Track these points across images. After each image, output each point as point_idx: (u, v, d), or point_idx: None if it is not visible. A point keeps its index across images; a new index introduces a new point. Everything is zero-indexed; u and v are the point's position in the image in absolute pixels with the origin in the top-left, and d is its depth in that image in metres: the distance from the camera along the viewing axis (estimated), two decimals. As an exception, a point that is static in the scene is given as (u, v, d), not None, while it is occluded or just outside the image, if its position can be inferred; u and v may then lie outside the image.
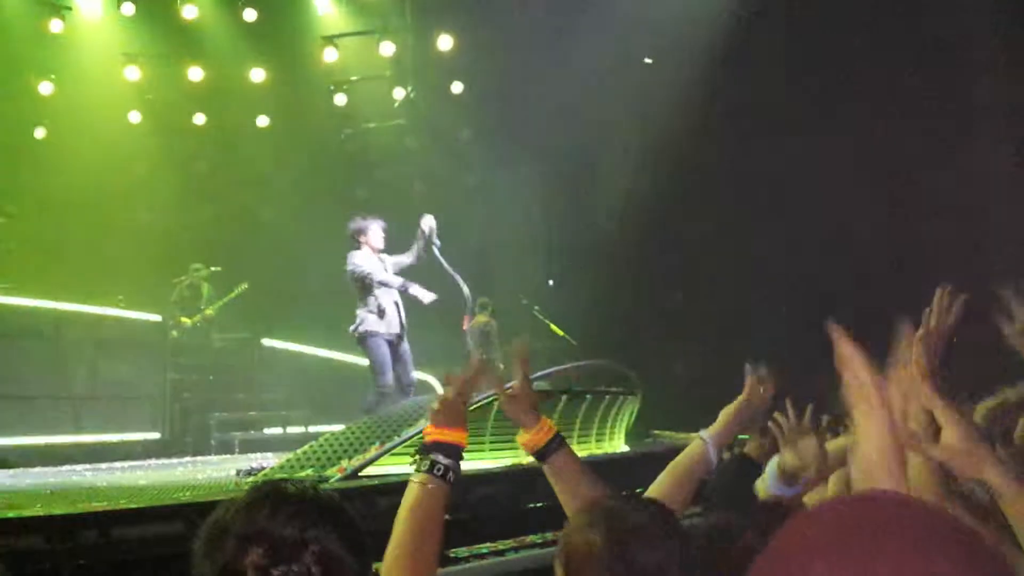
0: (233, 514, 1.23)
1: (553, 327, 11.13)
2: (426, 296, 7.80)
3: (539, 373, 8.04)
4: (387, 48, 12.06)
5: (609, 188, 12.05)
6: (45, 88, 11.44)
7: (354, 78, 12.65)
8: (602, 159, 12.03)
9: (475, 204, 12.47)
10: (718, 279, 11.24)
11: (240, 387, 9.91)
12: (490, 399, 6.93)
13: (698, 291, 11.52)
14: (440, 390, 8.34)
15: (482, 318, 11.03)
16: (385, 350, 7.75)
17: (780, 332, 10.32)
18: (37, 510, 4.69)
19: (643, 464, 7.60)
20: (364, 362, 10.96)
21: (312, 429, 9.07)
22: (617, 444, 8.67)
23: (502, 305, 11.40)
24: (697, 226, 11.39)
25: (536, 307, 11.34)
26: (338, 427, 7.11)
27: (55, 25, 11.07)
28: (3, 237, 9.30)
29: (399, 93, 12.64)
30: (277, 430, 9.60)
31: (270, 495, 1.26)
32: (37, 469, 7.20)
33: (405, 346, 7.95)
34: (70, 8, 11.26)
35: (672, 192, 11.32)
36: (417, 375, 11.39)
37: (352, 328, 7.79)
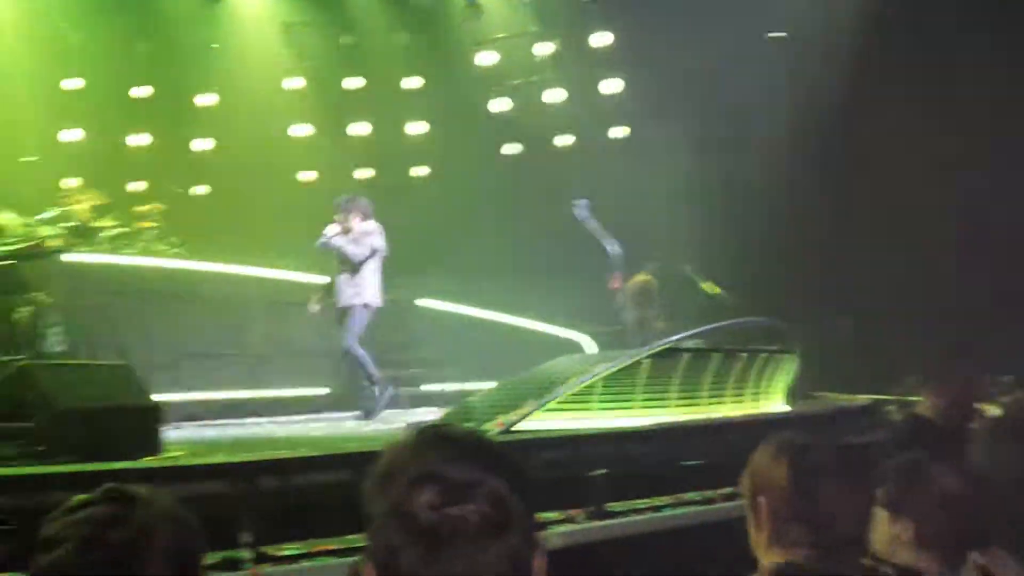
0: (403, 456, 1.23)
1: (706, 285, 10.93)
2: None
3: (692, 331, 7.97)
4: (530, 4, 12.16)
5: (766, 144, 11.70)
6: (210, 55, 12.27)
7: (499, 36, 12.82)
8: (759, 116, 11.67)
9: (623, 160, 12.40)
10: (881, 242, 10.82)
11: (401, 346, 10.29)
12: (640, 356, 6.96)
13: (859, 254, 11.13)
14: (593, 349, 8.40)
15: (642, 276, 11.01)
16: None
17: (946, 296, 9.84)
18: (220, 458, 5.08)
19: (804, 424, 7.42)
20: (514, 321, 11.21)
21: (468, 386, 9.32)
22: (776, 403, 8.48)
23: (655, 263, 11.34)
24: (861, 187, 10.99)
25: (689, 266, 11.16)
26: (491, 384, 7.29)
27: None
28: (186, 213, 10.02)
29: (545, 48, 12.68)
30: (437, 387, 9.93)
31: (438, 438, 1.26)
32: (220, 421, 7.81)
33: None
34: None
35: (835, 150, 10.94)
36: (568, 334, 11.54)
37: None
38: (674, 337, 7.59)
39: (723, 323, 8.47)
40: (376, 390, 7.96)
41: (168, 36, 11.99)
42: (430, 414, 7.65)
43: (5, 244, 6.31)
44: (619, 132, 13.06)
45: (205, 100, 12.43)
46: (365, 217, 8.05)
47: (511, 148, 13.34)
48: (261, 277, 9.30)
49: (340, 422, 7.94)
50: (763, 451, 1.98)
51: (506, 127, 13.24)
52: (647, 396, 7.00)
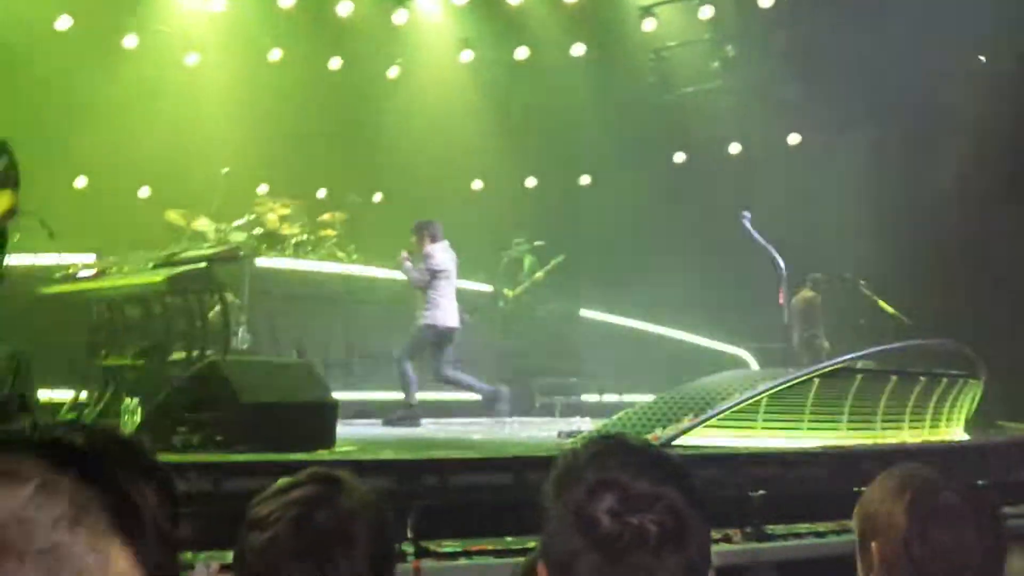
0: (581, 462, 1.25)
1: (882, 304, 10.41)
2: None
3: (866, 351, 7.61)
4: (706, 11, 12.00)
5: (950, 155, 11.03)
6: (392, 72, 12.81)
7: (672, 44, 12.74)
8: (943, 123, 11.01)
9: (797, 168, 12.03)
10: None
11: (561, 355, 10.39)
12: (810, 375, 6.72)
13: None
14: (755, 366, 8.17)
15: (807, 293, 10.62)
16: None
17: None
18: (388, 454, 5.32)
19: (984, 455, 6.94)
20: (673, 334, 11.07)
21: (627, 398, 9.29)
22: (954, 431, 7.97)
23: (825, 278, 10.90)
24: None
25: (863, 281, 10.67)
26: (650, 397, 7.24)
27: (399, 16, 12.30)
28: (357, 219, 10.54)
29: (718, 56, 12.51)
30: (594, 397, 9.95)
31: (617, 447, 1.27)
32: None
33: None
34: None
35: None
36: (733, 350, 11.29)
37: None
38: (847, 356, 7.28)
39: (900, 344, 8.05)
40: (405, 412, 7.91)
41: (356, 51, 12.68)
42: (584, 424, 7.68)
43: (201, 248, 6.84)
44: (793, 139, 12.68)
45: (387, 112, 13.10)
46: (433, 239, 8.14)
47: (680, 156, 13.21)
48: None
49: (499, 427, 8.10)
50: (880, 485, 1.68)
51: (677, 135, 13.14)
52: (816, 417, 6.74)
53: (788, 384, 6.62)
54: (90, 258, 6.94)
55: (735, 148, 12.93)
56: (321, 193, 12.42)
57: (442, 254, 8.11)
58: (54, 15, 10.87)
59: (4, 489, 0.50)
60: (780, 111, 12.45)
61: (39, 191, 5.54)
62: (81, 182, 10.98)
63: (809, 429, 6.70)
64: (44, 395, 6.03)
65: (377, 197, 12.94)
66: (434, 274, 8.00)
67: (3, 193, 5.25)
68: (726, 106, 12.75)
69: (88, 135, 11.06)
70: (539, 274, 10.76)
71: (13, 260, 6.33)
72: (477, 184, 13.46)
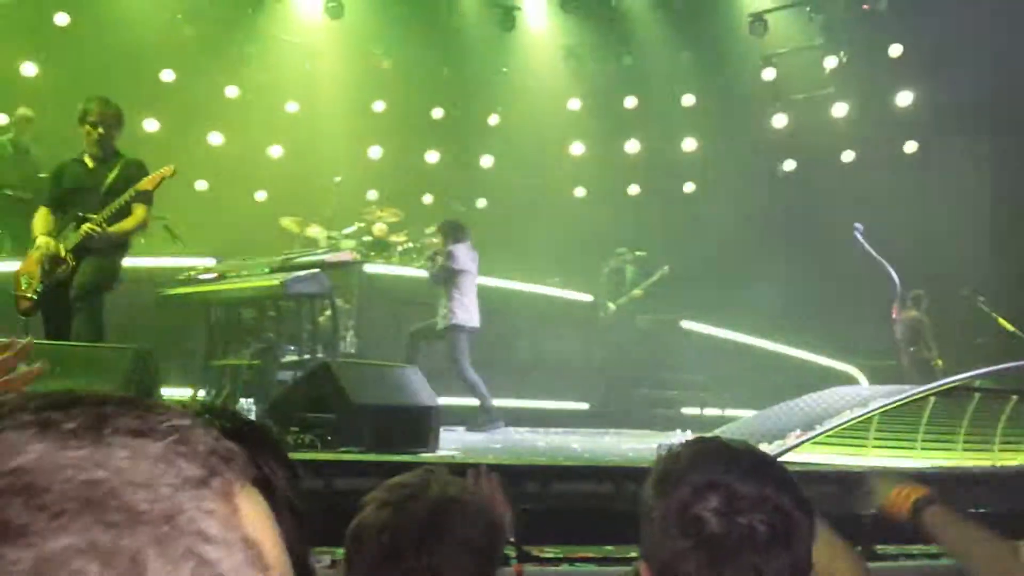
0: (683, 464, 1.25)
1: (1002, 321, 9.95)
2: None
3: (984, 369, 7.29)
4: (817, 17, 11.76)
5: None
6: (499, 78, 13.12)
7: (782, 50, 12.53)
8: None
9: (911, 178, 11.64)
10: None
11: (661, 366, 10.29)
12: (924, 393, 6.47)
13: None
14: (864, 381, 7.92)
15: (912, 312, 10.23)
16: None
17: None
18: (490, 459, 5.38)
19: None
20: (779, 348, 10.82)
21: (729, 412, 9.15)
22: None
23: (942, 295, 10.47)
24: None
25: (982, 298, 10.22)
26: (752, 412, 7.10)
27: (506, 23, 12.51)
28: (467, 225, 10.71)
29: (831, 62, 12.23)
30: (695, 410, 9.83)
31: (721, 450, 1.28)
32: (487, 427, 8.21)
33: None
34: (519, 8, 12.60)
35: None
36: (842, 366, 10.96)
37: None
38: (964, 375, 7.00)
39: (1021, 362, 7.67)
40: (487, 417, 7.80)
41: (465, 61, 12.95)
42: (684, 437, 7.57)
43: (315, 254, 7.09)
44: (909, 147, 12.28)
45: (491, 120, 13.32)
46: (455, 240, 8.03)
47: (790, 165, 12.94)
48: (531, 292, 9.71)
49: (598, 437, 8.08)
50: None
51: (786, 143, 12.90)
52: (930, 437, 6.49)
53: (902, 402, 6.40)
54: (210, 261, 7.26)
55: (848, 156, 12.61)
56: (427, 199, 12.70)
57: (465, 253, 8.03)
58: (181, 21, 11.47)
59: (137, 441, 0.48)
60: (895, 118, 12.09)
61: (163, 194, 5.84)
62: (202, 185, 11.53)
63: (923, 449, 6.46)
64: (164, 393, 6.31)
65: (481, 203, 13.16)
66: (456, 273, 7.90)
67: (139, 207, 5.60)
68: (839, 112, 12.47)
69: (208, 139, 11.64)
70: (638, 291, 10.71)
71: (138, 262, 6.69)
72: (580, 191, 13.52)
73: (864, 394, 7.77)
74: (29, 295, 5.43)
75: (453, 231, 8.16)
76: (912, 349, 10.26)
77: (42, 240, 5.52)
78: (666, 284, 10.73)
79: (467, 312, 7.91)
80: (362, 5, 12.02)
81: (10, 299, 5.54)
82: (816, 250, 11.53)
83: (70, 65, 10.70)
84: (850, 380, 10.56)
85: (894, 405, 6.35)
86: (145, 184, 5.53)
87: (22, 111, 8.86)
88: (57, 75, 10.67)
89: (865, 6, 11.61)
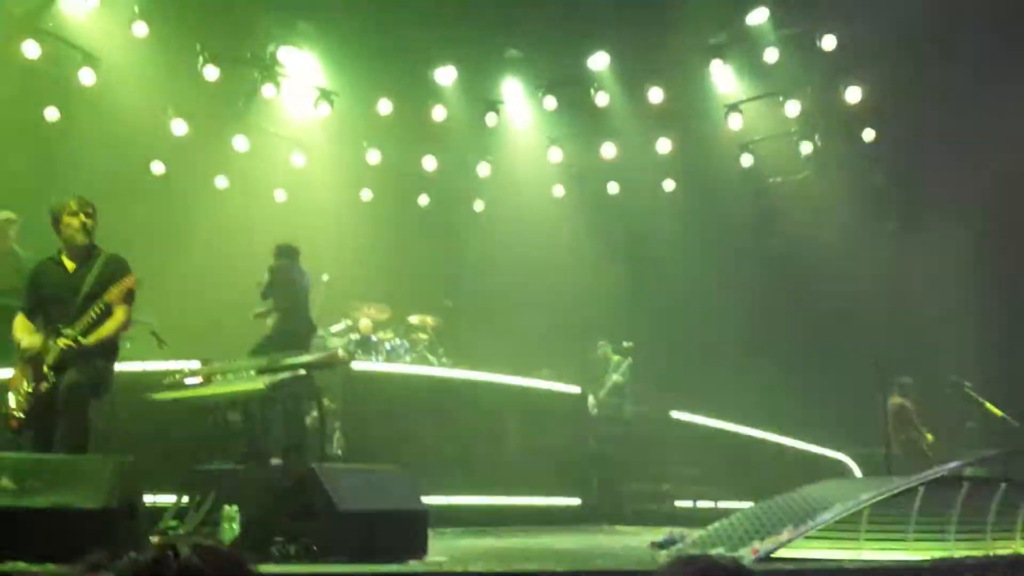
0: None
1: (989, 406, 9.97)
2: None
3: (973, 458, 7.28)
4: (793, 107, 12.12)
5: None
6: (483, 169, 13.40)
7: (758, 137, 12.86)
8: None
9: (890, 262, 11.80)
10: None
11: (652, 459, 10.22)
12: (913, 484, 6.43)
13: None
14: (857, 471, 7.88)
15: (897, 400, 10.25)
16: None
17: None
18: (479, 566, 5.28)
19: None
20: (773, 438, 10.78)
21: (722, 505, 9.05)
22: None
23: (927, 379, 10.50)
24: None
25: (968, 384, 10.26)
26: (748, 505, 7.02)
27: (490, 118, 12.80)
28: (450, 325, 10.77)
29: (806, 147, 12.56)
30: (688, 503, 9.72)
31: (709, 569, 1.30)
32: (475, 528, 8.09)
33: None
34: (502, 102, 12.93)
35: None
36: (833, 454, 10.90)
37: None
38: (951, 464, 6.98)
39: (1009, 449, 7.67)
40: None
41: (448, 153, 13.26)
42: (677, 534, 7.47)
43: (300, 355, 7.07)
44: (887, 228, 12.45)
45: (476, 207, 13.63)
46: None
47: (774, 248, 13.13)
48: (519, 385, 9.69)
49: (590, 535, 7.96)
50: None
51: (768, 225, 13.13)
52: (922, 528, 6.43)
53: (892, 494, 6.36)
54: (194, 364, 7.23)
55: (828, 237, 12.83)
56: (413, 297, 12.79)
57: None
58: (168, 119, 11.69)
59: None
60: (872, 200, 12.33)
61: (147, 294, 5.85)
62: (188, 285, 11.60)
63: (916, 540, 6.39)
64: (148, 499, 6.21)
65: (468, 284, 13.38)
66: None
67: (120, 308, 5.55)
68: (816, 195, 12.75)
69: (196, 237, 11.74)
70: (616, 377, 10.72)
71: (123, 367, 6.65)
72: (564, 277, 13.72)
73: (856, 485, 7.73)
74: (17, 413, 5.36)
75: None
76: (902, 436, 10.26)
77: (27, 342, 5.45)
78: (653, 374, 10.74)
79: None
80: (350, 100, 12.32)
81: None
82: (804, 336, 11.61)
83: (61, 159, 10.85)
84: (842, 468, 10.51)
85: (884, 497, 6.31)
86: (110, 296, 5.46)
87: (5, 214, 8.73)
88: (45, 170, 10.79)
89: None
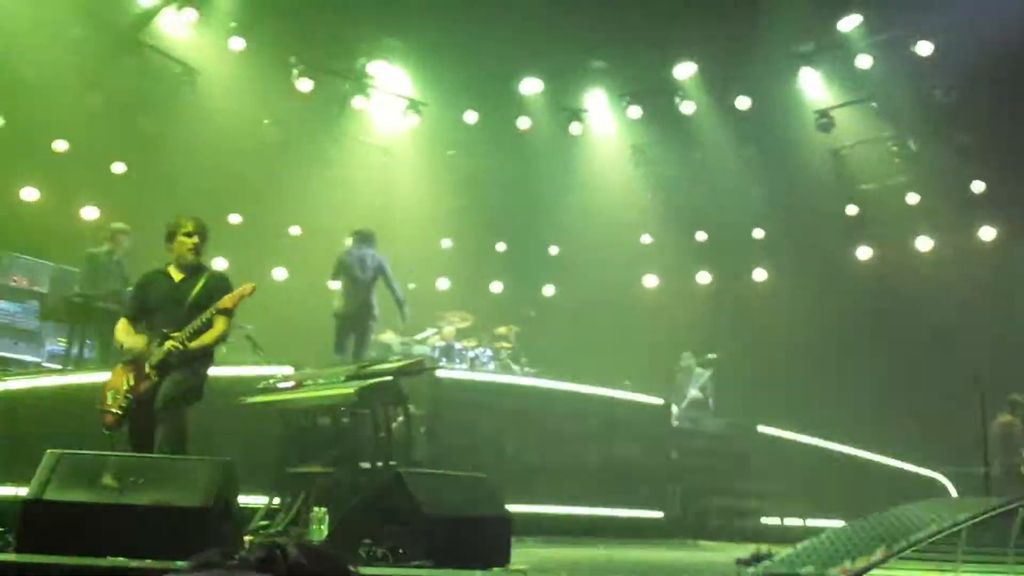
0: None
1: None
2: None
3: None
4: (886, 112, 11.88)
5: None
6: (568, 177, 13.53)
7: (850, 143, 12.58)
8: None
9: (993, 270, 11.38)
10: None
11: (738, 473, 10.04)
12: (1014, 505, 6.16)
13: None
14: (953, 491, 7.59)
15: (1006, 417, 9.85)
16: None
17: None
18: (563, 576, 5.28)
19: None
20: (865, 454, 10.47)
21: (810, 522, 8.84)
22: None
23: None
24: None
25: (1072, 402, 9.81)
26: (838, 523, 6.84)
27: (575, 127, 12.81)
28: (535, 334, 10.81)
29: (900, 153, 12.23)
30: (775, 520, 9.51)
31: None
32: (559, 537, 8.08)
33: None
34: (586, 111, 12.94)
35: None
36: (927, 473, 10.53)
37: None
38: (1055, 486, 6.69)
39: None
40: None
41: (532, 161, 13.38)
42: (764, 551, 7.33)
43: (388, 362, 7.19)
44: (987, 234, 12.04)
45: (560, 214, 13.72)
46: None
47: (865, 253, 12.79)
48: (601, 395, 9.64)
49: (673, 550, 7.87)
50: None
51: (858, 232, 12.81)
52: (1022, 552, 6.17)
53: (991, 514, 6.11)
54: (288, 370, 7.43)
55: (924, 244, 12.45)
56: (497, 306, 12.91)
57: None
58: (263, 128, 12.08)
59: None
60: (968, 205, 11.93)
61: (243, 305, 6.03)
62: (280, 274, 11.95)
63: (1016, 563, 6.14)
64: (241, 501, 6.40)
65: (549, 290, 13.37)
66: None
67: (220, 320, 5.78)
68: (911, 201, 12.40)
69: (288, 244, 12.07)
70: (696, 392, 10.58)
71: (219, 372, 6.87)
72: (650, 282, 13.62)
73: (953, 505, 7.44)
74: (114, 410, 5.59)
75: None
76: (1004, 455, 9.85)
77: (131, 342, 5.70)
78: (739, 386, 10.57)
79: None
80: (437, 110, 12.54)
81: (96, 410, 5.71)
82: (898, 348, 11.27)
83: (161, 167, 11.29)
84: (937, 487, 10.15)
85: (983, 517, 6.07)
86: (225, 303, 5.71)
87: (117, 225, 9.22)
88: (145, 178, 11.25)
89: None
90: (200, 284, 5.85)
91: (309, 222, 12.26)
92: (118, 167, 11.60)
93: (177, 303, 5.80)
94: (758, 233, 13.18)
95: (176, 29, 11.22)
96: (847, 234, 12.96)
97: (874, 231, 12.77)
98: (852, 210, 12.85)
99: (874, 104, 12.04)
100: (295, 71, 11.55)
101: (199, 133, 11.43)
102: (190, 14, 10.84)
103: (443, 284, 12.33)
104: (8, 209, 10.50)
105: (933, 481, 10.34)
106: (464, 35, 11.37)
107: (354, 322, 9.26)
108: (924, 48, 10.95)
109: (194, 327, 5.67)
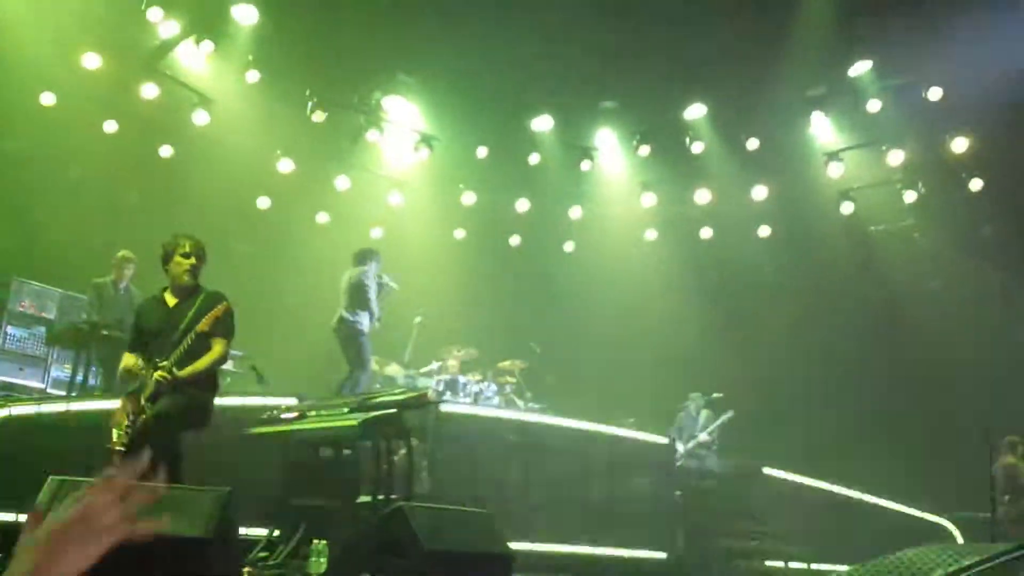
0: None
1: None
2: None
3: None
4: (896, 156, 11.91)
5: None
6: (575, 213, 13.58)
7: (858, 186, 12.63)
8: None
9: (1001, 314, 11.34)
10: None
11: (742, 515, 9.95)
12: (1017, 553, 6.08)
13: None
14: (959, 537, 7.54)
15: (1008, 459, 9.76)
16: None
17: None
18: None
19: None
20: (869, 499, 10.38)
21: (815, 566, 8.74)
22: None
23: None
24: None
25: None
26: (842, 567, 6.77)
27: (585, 164, 12.94)
28: (540, 370, 10.79)
29: (910, 196, 12.27)
30: (779, 563, 9.41)
31: None
32: None
33: None
34: (596, 149, 13.04)
35: None
36: (933, 518, 10.41)
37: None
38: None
39: None
40: None
41: (541, 198, 13.43)
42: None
43: (392, 394, 7.19)
44: (993, 277, 12.03)
45: (567, 248, 13.76)
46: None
47: (872, 294, 12.76)
48: (605, 433, 9.60)
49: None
50: None
51: (869, 275, 12.81)
52: (1029, 602, 6.08)
53: (997, 560, 6.03)
54: (291, 401, 7.42)
55: (933, 288, 12.44)
56: (502, 341, 12.90)
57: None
58: (276, 159, 12.22)
59: None
60: (979, 250, 11.94)
61: (247, 330, 6.03)
62: (288, 320, 11.98)
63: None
64: (240, 532, 6.36)
65: (553, 322, 13.46)
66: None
67: (218, 342, 5.73)
68: (920, 245, 12.41)
69: (296, 272, 12.13)
70: (704, 435, 10.52)
71: (223, 402, 6.87)
72: (655, 321, 13.62)
73: (957, 551, 7.34)
74: (119, 447, 5.57)
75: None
76: (1007, 498, 9.74)
77: (124, 364, 5.65)
78: (734, 428, 10.51)
79: None
80: (448, 145, 12.66)
81: (102, 438, 5.70)
82: (904, 392, 11.22)
83: (173, 194, 11.40)
84: (943, 533, 10.04)
85: (989, 564, 5.99)
86: (202, 326, 5.57)
87: (122, 254, 9.26)
88: (158, 204, 11.35)
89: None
90: (195, 307, 5.73)
91: (319, 252, 12.33)
92: (131, 195, 11.73)
93: (171, 328, 5.68)
94: (766, 271, 13.19)
95: (193, 60, 11.38)
96: (855, 276, 12.95)
97: (883, 273, 12.77)
98: (860, 251, 12.86)
99: (883, 147, 12.11)
100: (310, 104, 11.69)
101: (213, 162, 11.55)
102: (207, 46, 11.00)
103: (449, 314, 12.35)
104: (20, 235, 10.60)
105: (939, 526, 10.23)
106: (476, 72, 11.51)
107: (345, 341, 9.34)
108: (934, 94, 11.04)
109: (181, 351, 5.55)
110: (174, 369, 5.53)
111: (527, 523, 8.15)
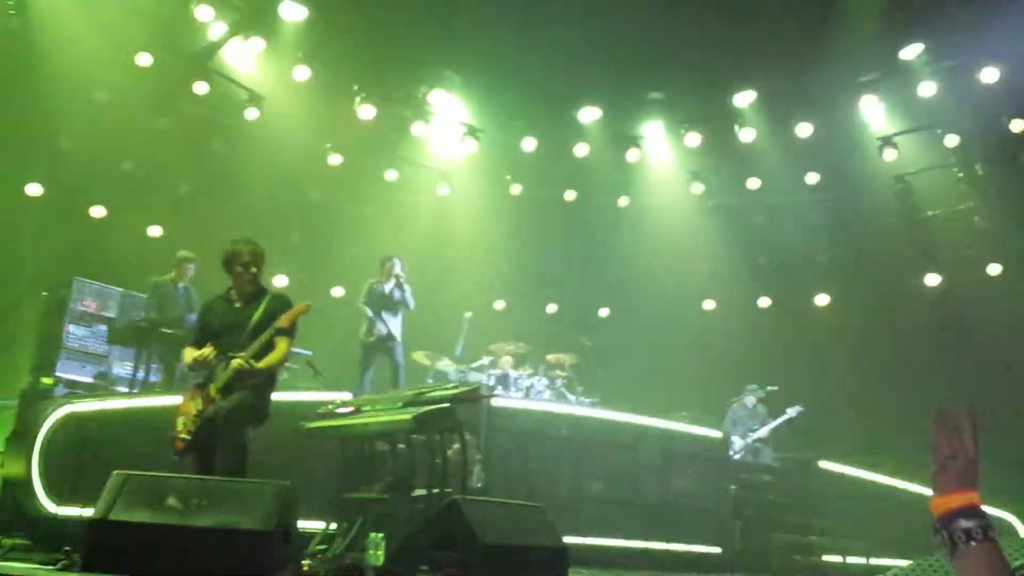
0: None
1: None
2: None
3: None
4: (951, 139, 11.63)
5: None
6: (623, 201, 13.57)
7: (913, 170, 12.37)
8: None
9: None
10: None
11: (798, 509, 9.81)
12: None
13: None
14: (1022, 530, 7.34)
15: None
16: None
17: None
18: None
19: None
20: (928, 492, 10.18)
21: (873, 560, 8.60)
22: None
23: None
24: None
25: None
26: (902, 562, 6.65)
27: (632, 154, 12.85)
28: (591, 364, 10.76)
29: (966, 179, 11.99)
30: (836, 558, 9.27)
31: None
32: (612, 570, 7.97)
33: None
34: (643, 138, 12.93)
35: None
36: (995, 512, 10.17)
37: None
38: None
39: None
40: None
41: (589, 189, 13.38)
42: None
43: (444, 389, 7.22)
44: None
45: (618, 234, 13.70)
46: None
47: (933, 279, 12.49)
48: (658, 427, 9.54)
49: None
50: None
51: (925, 258, 12.54)
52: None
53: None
54: (347, 395, 7.49)
55: (994, 270, 12.14)
56: (551, 308, 12.92)
57: None
58: (325, 153, 12.34)
59: None
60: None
61: (303, 328, 6.09)
62: (338, 291, 12.11)
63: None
64: (299, 525, 6.43)
65: (604, 312, 13.36)
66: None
67: (281, 341, 5.83)
68: (980, 227, 12.11)
69: (346, 266, 12.22)
70: (762, 432, 10.39)
71: (280, 396, 6.94)
72: (708, 304, 13.49)
73: (1021, 545, 7.16)
74: (184, 436, 5.66)
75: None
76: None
77: (191, 355, 5.75)
78: (801, 422, 10.36)
79: None
80: (495, 137, 12.65)
81: (163, 433, 5.80)
82: (965, 380, 10.97)
83: (225, 189, 11.55)
84: (1006, 527, 9.82)
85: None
86: (282, 322, 5.74)
87: (182, 253, 9.43)
88: (210, 198, 11.51)
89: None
90: (261, 308, 5.89)
91: (368, 244, 12.41)
92: (185, 190, 11.93)
93: (239, 328, 5.84)
94: (820, 258, 12.99)
95: (243, 57, 11.52)
96: (913, 260, 12.68)
97: (941, 257, 12.49)
98: (918, 235, 12.58)
99: (939, 131, 11.84)
100: (358, 98, 11.77)
101: (263, 156, 11.69)
102: (258, 43, 11.12)
103: (499, 306, 12.37)
104: (79, 234, 10.82)
105: (1002, 520, 9.99)
106: (522, 65, 11.48)
107: (362, 344, 9.95)
108: (989, 75, 10.75)
109: (257, 346, 5.70)
110: (251, 360, 5.62)
111: (579, 516, 8.14)
